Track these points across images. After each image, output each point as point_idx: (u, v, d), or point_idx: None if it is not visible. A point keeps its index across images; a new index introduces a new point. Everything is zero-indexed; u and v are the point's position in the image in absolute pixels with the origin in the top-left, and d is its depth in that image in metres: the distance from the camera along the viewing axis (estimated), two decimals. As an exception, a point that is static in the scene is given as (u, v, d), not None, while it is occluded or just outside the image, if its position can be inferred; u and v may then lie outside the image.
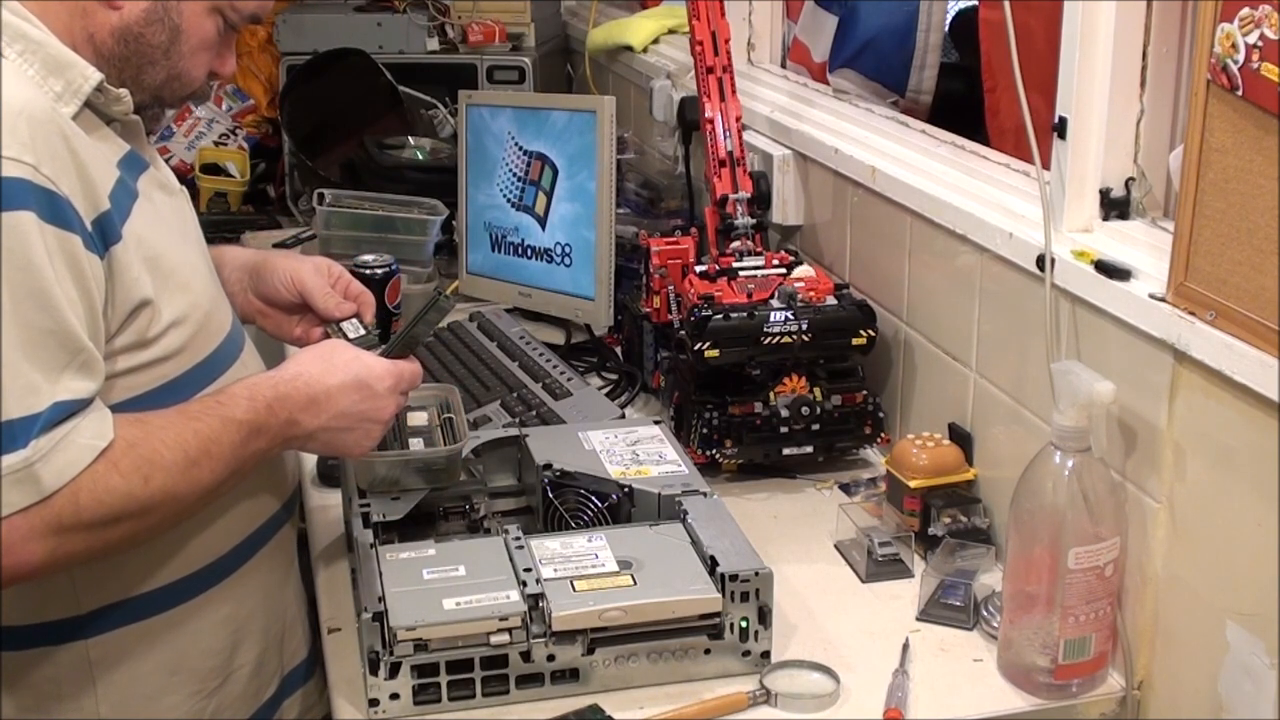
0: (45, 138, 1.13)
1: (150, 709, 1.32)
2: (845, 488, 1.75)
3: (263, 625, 1.42)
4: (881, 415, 1.77)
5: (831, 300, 1.76)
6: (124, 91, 1.27)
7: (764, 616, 1.32)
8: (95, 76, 1.22)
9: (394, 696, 1.26)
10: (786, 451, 1.75)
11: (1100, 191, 1.43)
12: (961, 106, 2.05)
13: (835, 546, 1.60)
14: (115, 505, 1.14)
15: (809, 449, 1.76)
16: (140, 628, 1.30)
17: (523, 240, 2.34)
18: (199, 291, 1.32)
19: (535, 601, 1.28)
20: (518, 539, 1.38)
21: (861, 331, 1.73)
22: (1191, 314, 1.21)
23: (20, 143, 1.11)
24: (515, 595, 1.28)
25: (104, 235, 1.18)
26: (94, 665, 1.28)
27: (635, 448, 1.58)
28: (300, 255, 1.64)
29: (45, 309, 1.11)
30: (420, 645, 1.25)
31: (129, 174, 1.26)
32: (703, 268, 1.83)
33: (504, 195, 2.37)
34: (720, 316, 1.69)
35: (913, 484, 1.57)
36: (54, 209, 1.12)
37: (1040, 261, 1.41)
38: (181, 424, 1.21)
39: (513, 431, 1.63)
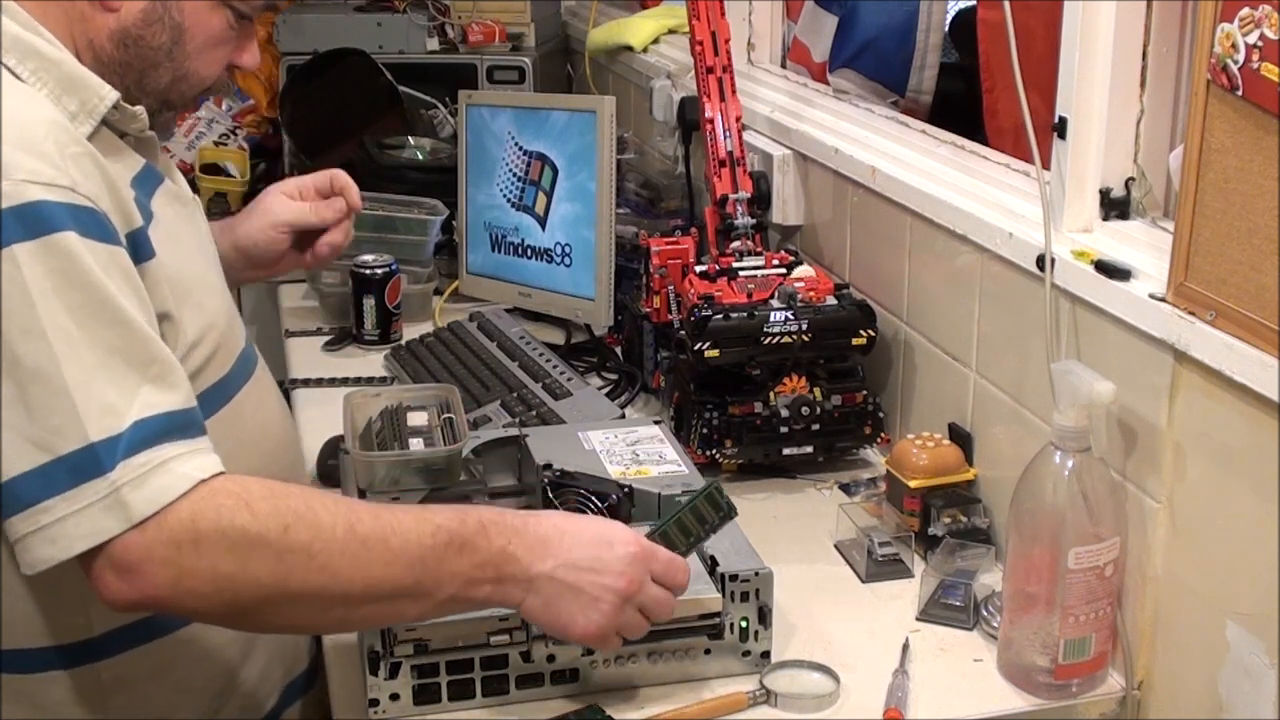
0: (75, 158, 1.11)
1: None
2: (845, 488, 1.75)
3: (268, 638, 1.41)
4: (881, 415, 1.77)
5: (831, 300, 1.76)
6: (139, 109, 1.24)
7: (764, 616, 1.32)
8: (111, 95, 1.20)
9: (394, 697, 1.26)
10: (786, 451, 1.75)
11: (1100, 191, 1.43)
12: (961, 106, 2.05)
13: (835, 546, 1.60)
14: (243, 545, 1.07)
15: (809, 449, 1.76)
16: (153, 648, 1.28)
17: (523, 240, 2.34)
18: (213, 310, 1.30)
19: (535, 601, 1.28)
20: (518, 539, 1.37)
21: (861, 331, 1.73)
22: (1191, 314, 1.21)
23: (54, 166, 1.09)
24: (515, 595, 1.28)
25: (137, 250, 1.16)
26: (105, 687, 1.26)
27: (635, 448, 1.58)
28: (258, 207, 1.61)
29: (110, 325, 1.08)
30: (420, 645, 1.25)
31: (143, 191, 1.24)
32: (703, 268, 1.83)
33: (504, 195, 2.37)
34: (720, 316, 1.69)
35: (913, 484, 1.57)
36: (97, 226, 1.10)
37: (1040, 261, 1.41)
38: (360, 504, 1.15)
39: (513, 431, 1.63)
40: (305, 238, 1.63)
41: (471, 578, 1.14)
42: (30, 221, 1.07)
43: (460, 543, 1.13)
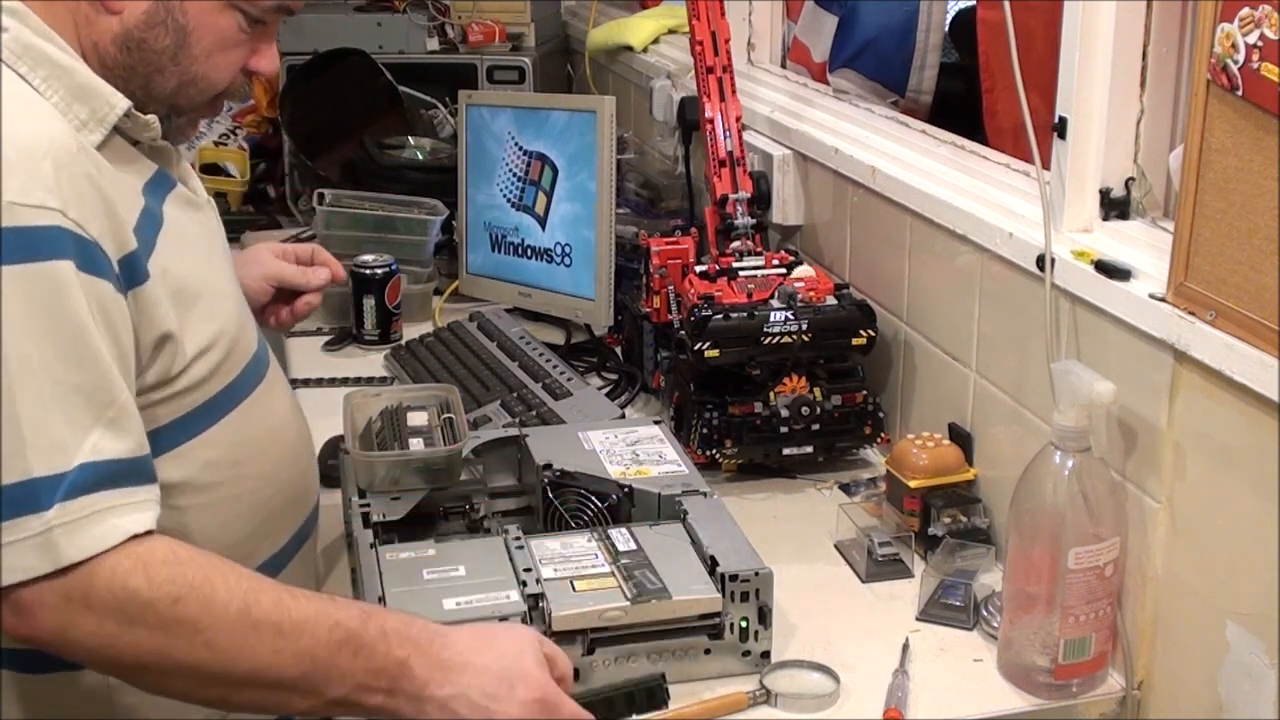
0: (71, 179, 1.10)
1: None
2: (845, 488, 1.75)
3: None
4: (881, 415, 1.77)
5: (831, 300, 1.76)
6: (152, 118, 1.23)
7: (764, 616, 1.33)
8: (122, 104, 1.19)
9: (394, 696, 1.26)
10: (786, 451, 1.75)
11: (1100, 191, 1.43)
12: (961, 106, 2.05)
13: (835, 546, 1.60)
14: (130, 608, 1.06)
15: (809, 449, 1.76)
16: None
17: (523, 240, 2.34)
18: (226, 316, 1.29)
19: (535, 601, 1.28)
20: (518, 539, 1.38)
21: (861, 331, 1.73)
22: (1191, 314, 1.21)
23: (45, 187, 1.07)
24: (515, 595, 1.28)
25: (131, 275, 1.15)
26: (114, 689, 1.25)
27: (635, 448, 1.58)
28: (249, 256, 1.63)
29: (76, 363, 1.07)
30: (420, 645, 1.25)
31: (155, 198, 1.23)
32: (703, 268, 1.83)
33: (504, 195, 2.37)
34: (720, 316, 1.69)
35: (913, 484, 1.57)
36: (84, 255, 1.09)
37: (1040, 261, 1.41)
38: (266, 585, 1.11)
39: (513, 431, 1.64)
40: (279, 295, 1.64)
41: (364, 684, 1.11)
42: (16, 245, 1.06)
43: (357, 645, 1.10)
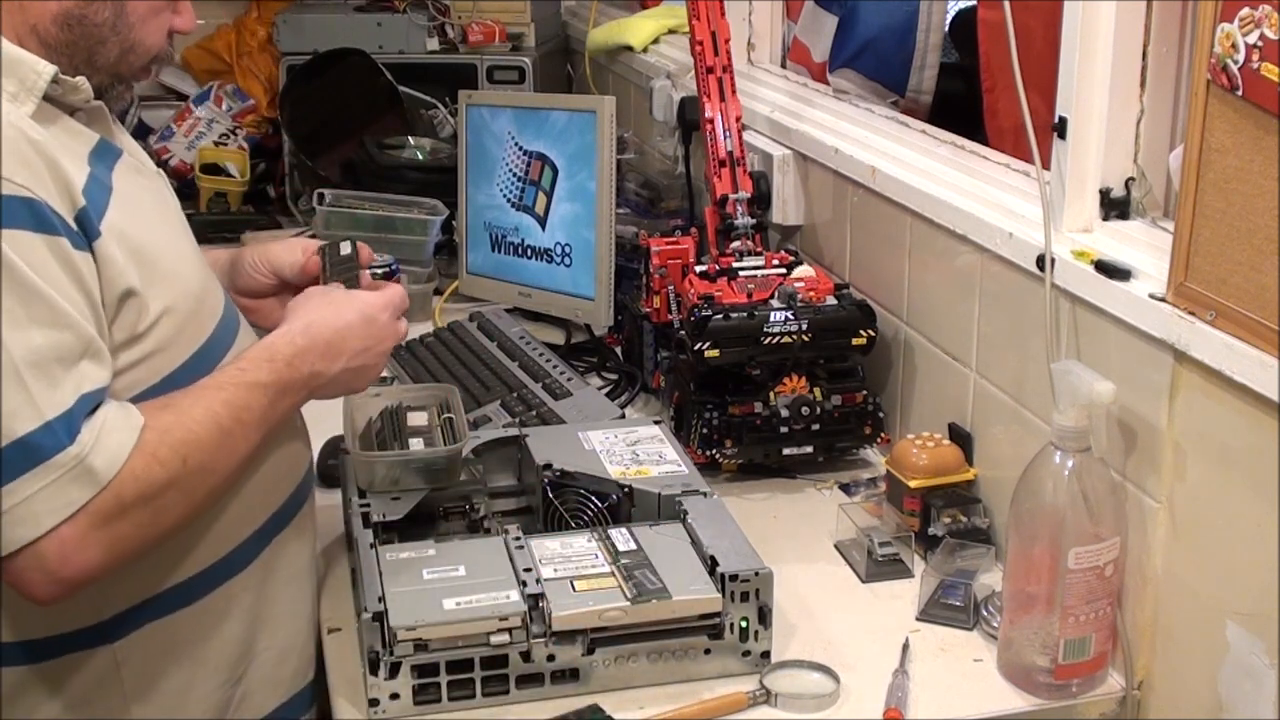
0: (11, 145, 1.12)
1: (180, 704, 1.32)
2: (845, 488, 1.75)
3: (288, 610, 1.40)
4: (881, 415, 1.77)
5: (831, 300, 1.76)
6: (81, 80, 1.23)
7: (764, 616, 1.33)
8: (48, 70, 1.19)
9: (394, 696, 1.26)
10: (786, 451, 1.75)
11: (1100, 191, 1.43)
12: (961, 106, 2.05)
13: (835, 546, 1.60)
14: (160, 493, 1.15)
15: (809, 449, 1.76)
16: (164, 624, 1.29)
17: (523, 240, 2.34)
18: (187, 277, 1.30)
19: (535, 601, 1.28)
20: (518, 539, 1.38)
21: (861, 331, 1.73)
22: (1191, 314, 1.21)
23: None
24: (515, 595, 1.28)
25: (85, 231, 1.16)
26: (121, 666, 1.27)
27: (635, 448, 1.58)
28: (271, 240, 1.60)
29: (50, 309, 1.10)
30: (420, 645, 1.25)
31: (101, 167, 1.24)
32: (703, 268, 1.83)
33: (504, 195, 2.37)
34: (720, 316, 1.69)
35: (913, 484, 1.57)
36: (36, 216, 1.11)
37: (1040, 261, 1.41)
38: (210, 396, 1.22)
39: (513, 431, 1.64)
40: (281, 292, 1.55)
41: (295, 401, 1.32)
42: None
43: (282, 388, 1.27)
